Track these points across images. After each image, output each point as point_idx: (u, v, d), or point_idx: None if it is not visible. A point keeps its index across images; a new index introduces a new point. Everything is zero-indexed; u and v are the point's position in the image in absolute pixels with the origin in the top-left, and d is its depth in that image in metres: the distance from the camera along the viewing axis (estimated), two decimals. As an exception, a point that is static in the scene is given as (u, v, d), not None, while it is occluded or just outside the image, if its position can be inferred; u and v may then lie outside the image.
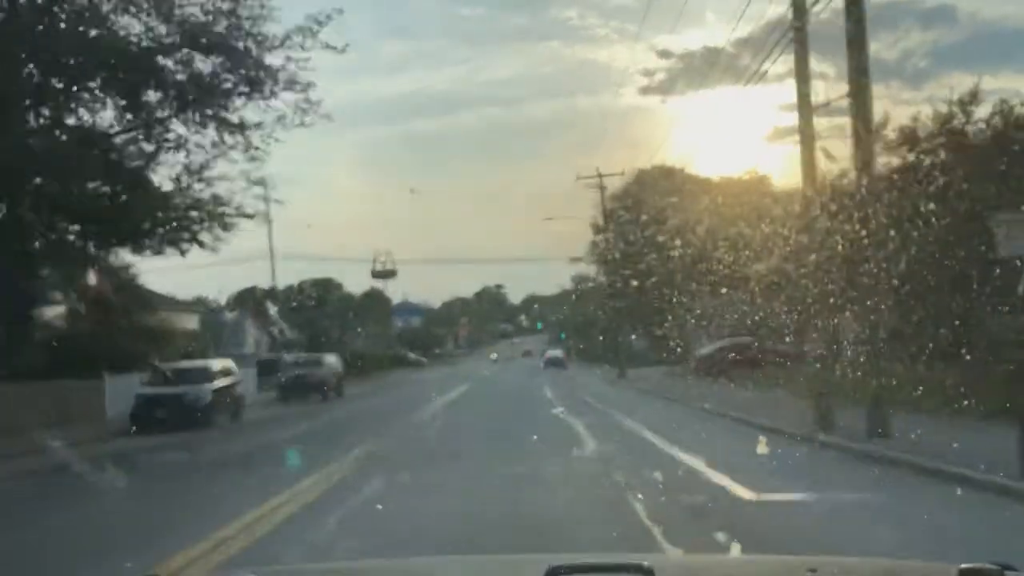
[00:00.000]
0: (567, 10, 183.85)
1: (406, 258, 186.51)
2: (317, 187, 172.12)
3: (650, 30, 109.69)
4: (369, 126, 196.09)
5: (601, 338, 79.26)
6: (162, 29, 25.54)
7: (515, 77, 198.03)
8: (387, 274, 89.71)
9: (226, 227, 28.73)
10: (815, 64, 17.36)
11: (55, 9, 24.66)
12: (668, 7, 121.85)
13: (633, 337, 75.29)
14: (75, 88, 25.69)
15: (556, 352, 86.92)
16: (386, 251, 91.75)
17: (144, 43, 25.47)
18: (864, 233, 14.10)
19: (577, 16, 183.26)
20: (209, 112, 26.88)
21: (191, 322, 44.95)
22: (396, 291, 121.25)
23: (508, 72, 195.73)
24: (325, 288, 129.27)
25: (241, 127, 27.23)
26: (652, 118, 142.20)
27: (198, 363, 28.69)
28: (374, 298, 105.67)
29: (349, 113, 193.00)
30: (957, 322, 17.65)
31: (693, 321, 46.66)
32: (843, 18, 14.66)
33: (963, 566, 2.15)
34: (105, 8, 25.09)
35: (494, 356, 78.58)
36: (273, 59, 26.56)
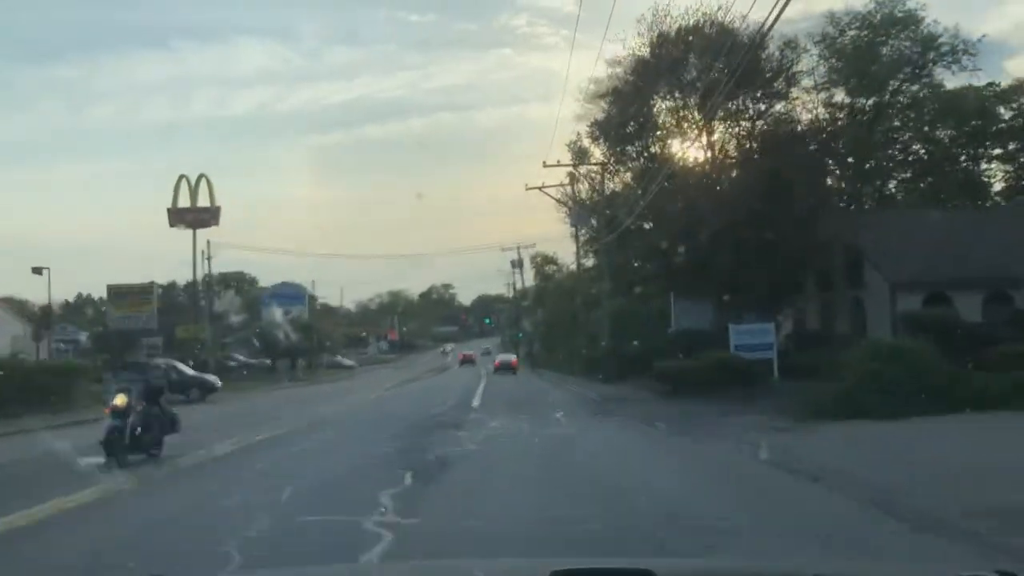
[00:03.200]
0: (516, 18, 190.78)
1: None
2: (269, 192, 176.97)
3: (597, 39, 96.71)
4: (321, 132, 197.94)
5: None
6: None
7: (466, 84, 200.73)
8: (192, 218, 50.79)
9: None
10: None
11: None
12: (616, 17, 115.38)
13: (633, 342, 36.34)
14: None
15: (507, 357, 76.00)
16: (199, 176, 52.43)
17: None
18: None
19: (526, 24, 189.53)
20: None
21: None
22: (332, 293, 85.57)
23: (459, 79, 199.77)
24: (236, 282, 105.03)
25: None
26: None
27: None
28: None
29: (302, 118, 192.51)
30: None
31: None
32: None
33: (963, 575, 2.31)
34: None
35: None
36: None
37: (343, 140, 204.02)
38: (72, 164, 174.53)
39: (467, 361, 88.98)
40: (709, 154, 31.90)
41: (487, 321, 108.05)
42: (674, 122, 33.29)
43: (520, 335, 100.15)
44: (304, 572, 3.58)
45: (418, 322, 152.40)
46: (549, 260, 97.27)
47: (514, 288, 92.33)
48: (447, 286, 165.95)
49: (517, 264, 79.55)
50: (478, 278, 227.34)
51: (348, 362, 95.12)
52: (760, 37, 22.06)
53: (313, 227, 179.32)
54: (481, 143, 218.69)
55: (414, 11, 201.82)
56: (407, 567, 3.41)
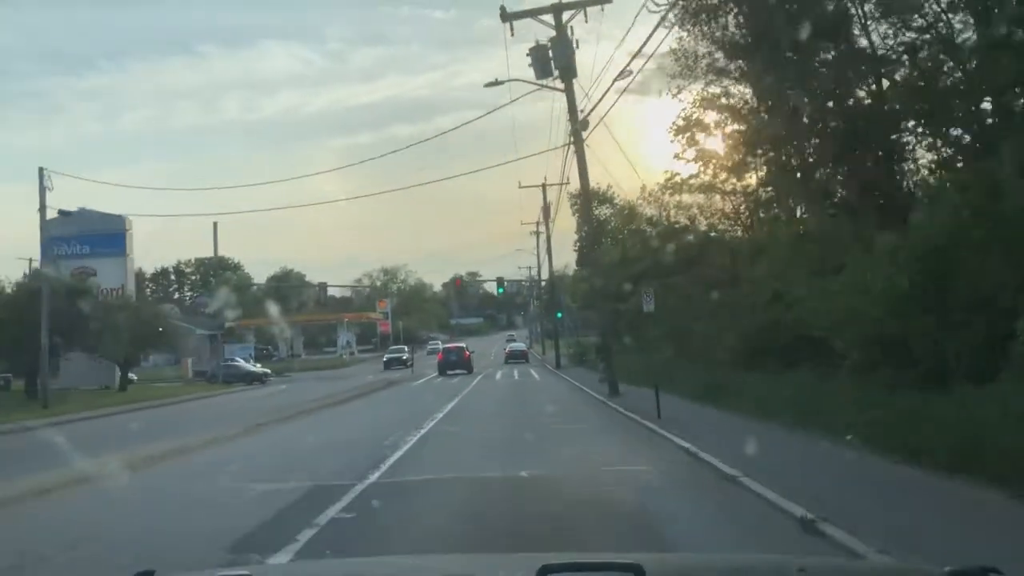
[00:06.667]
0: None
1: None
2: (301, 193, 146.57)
3: (620, 29, 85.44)
4: (349, 133, 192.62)
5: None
6: None
7: (491, 80, 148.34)
8: None
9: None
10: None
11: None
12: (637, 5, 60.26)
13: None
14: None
15: (518, 346, 68.75)
16: None
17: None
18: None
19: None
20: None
21: None
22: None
23: (484, 76, 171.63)
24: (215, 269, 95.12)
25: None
26: (629, 120, 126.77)
27: None
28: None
29: (329, 120, 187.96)
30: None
31: None
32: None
33: (948, 569, 2.27)
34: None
35: None
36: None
37: (370, 141, 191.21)
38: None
39: (452, 365, 45.09)
40: None
41: (499, 291, 67.50)
42: None
43: (560, 314, 57.07)
44: (303, 571, 3.54)
45: (429, 311, 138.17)
46: (604, 199, 58.63)
47: (544, 221, 48.60)
48: (473, 274, 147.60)
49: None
50: (508, 270, 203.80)
51: (255, 368, 56.14)
52: None
53: (340, 226, 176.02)
54: (507, 139, 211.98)
55: (438, 8, 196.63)
56: (397, 562, 3.33)
